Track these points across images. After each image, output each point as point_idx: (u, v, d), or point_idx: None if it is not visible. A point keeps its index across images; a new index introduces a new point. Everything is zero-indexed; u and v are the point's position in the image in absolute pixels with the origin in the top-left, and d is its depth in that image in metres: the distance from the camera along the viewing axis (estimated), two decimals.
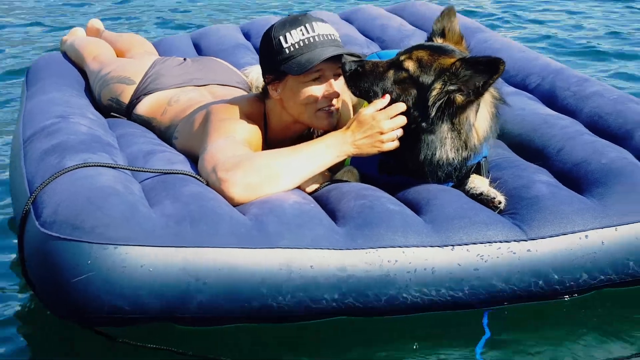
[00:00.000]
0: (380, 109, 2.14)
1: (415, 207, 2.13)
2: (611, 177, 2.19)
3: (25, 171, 2.15)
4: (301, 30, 2.26)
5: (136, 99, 2.83)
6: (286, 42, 2.26)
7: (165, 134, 2.64)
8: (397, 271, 1.95)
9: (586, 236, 2.05)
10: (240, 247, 1.86)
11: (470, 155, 2.15)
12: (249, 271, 1.86)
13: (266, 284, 1.88)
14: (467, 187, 2.22)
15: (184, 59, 3.07)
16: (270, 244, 1.89)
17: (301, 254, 1.90)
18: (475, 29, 3.70)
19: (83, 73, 3.17)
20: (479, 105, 2.13)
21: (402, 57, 2.18)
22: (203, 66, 2.98)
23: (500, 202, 2.15)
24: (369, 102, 2.22)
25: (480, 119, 2.15)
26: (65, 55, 3.45)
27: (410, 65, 2.14)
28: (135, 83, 2.86)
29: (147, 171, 2.12)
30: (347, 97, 2.50)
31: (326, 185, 2.24)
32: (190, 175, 2.13)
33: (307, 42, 2.24)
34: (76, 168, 1.99)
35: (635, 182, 2.17)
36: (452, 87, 2.07)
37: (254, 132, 2.34)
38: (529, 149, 2.52)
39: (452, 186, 2.26)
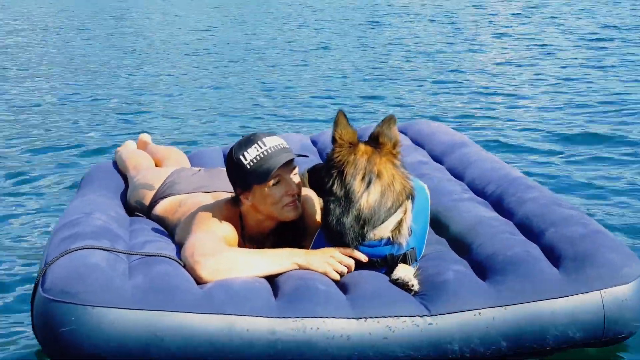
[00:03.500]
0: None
1: (345, 287, 2.64)
2: (509, 266, 2.64)
3: (46, 253, 2.77)
4: (255, 147, 2.82)
5: (154, 201, 3.42)
6: (245, 159, 2.81)
7: (173, 231, 3.22)
8: (318, 337, 2.44)
9: (479, 313, 2.51)
10: (191, 312, 2.40)
11: (364, 222, 2.67)
12: (197, 331, 2.40)
13: (212, 343, 2.40)
14: (392, 273, 2.71)
15: (199, 169, 3.66)
16: (216, 310, 2.43)
17: (240, 319, 2.42)
18: (460, 143, 4.20)
19: (125, 179, 3.83)
20: (369, 182, 2.68)
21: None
22: (213, 175, 3.52)
23: (413, 286, 2.62)
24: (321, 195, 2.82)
25: (372, 193, 2.67)
26: (114, 163, 4.14)
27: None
28: (155, 189, 3.46)
29: (133, 254, 2.71)
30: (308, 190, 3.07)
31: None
32: (168, 257, 2.69)
33: (262, 156, 2.80)
34: (77, 250, 2.60)
35: (528, 270, 2.62)
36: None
37: (229, 230, 2.87)
38: (462, 244, 2.98)
39: (385, 273, 2.76)
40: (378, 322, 2.48)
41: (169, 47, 15.64)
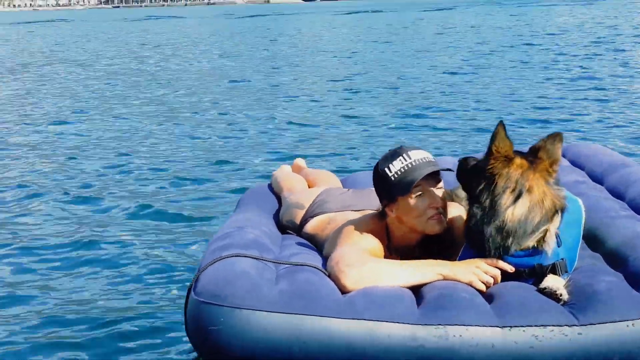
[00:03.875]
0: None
1: (490, 297, 2.57)
2: None
3: (201, 261, 2.92)
4: (400, 159, 2.87)
5: (305, 220, 3.53)
6: (390, 171, 2.87)
7: (322, 247, 3.31)
8: (461, 344, 2.39)
9: (633, 324, 2.36)
10: (332, 317, 2.45)
11: (507, 234, 2.60)
12: (338, 336, 2.43)
13: (352, 348, 2.42)
14: (540, 283, 2.62)
15: (347, 190, 3.74)
16: (357, 315, 2.45)
17: (381, 325, 2.43)
18: (622, 164, 4.04)
19: (280, 200, 3.98)
20: (518, 196, 2.60)
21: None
22: (362, 195, 3.58)
23: (562, 295, 2.51)
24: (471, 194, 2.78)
25: (518, 207, 2.60)
26: (269, 185, 4.31)
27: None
28: (305, 208, 3.58)
29: (280, 262, 2.80)
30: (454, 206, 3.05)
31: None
32: (314, 267, 2.77)
33: (407, 168, 2.84)
34: (228, 257, 2.74)
35: None
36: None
37: (374, 243, 2.92)
38: (617, 258, 2.83)
39: (532, 284, 2.67)
40: (524, 331, 2.39)
41: (321, 71, 16.21)
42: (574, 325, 2.39)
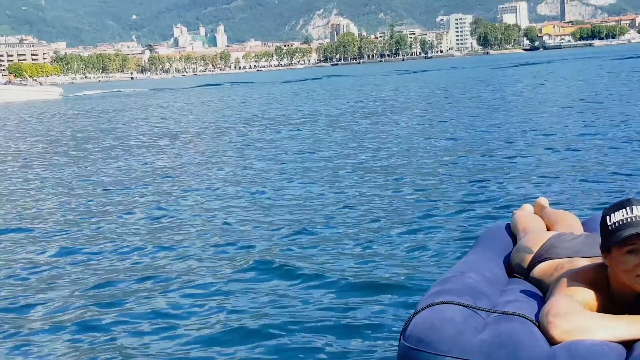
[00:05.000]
0: None
1: None
2: None
3: (417, 306, 3.11)
4: (622, 211, 2.82)
5: (533, 264, 3.51)
6: (610, 220, 2.84)
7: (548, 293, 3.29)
8: None
9: None
10: None
11: None
12: None
13: None
14: None
15: (580, 234, 3.63)
16: None
17: None
18: None
19: (515, 240, 4.01)
20: None
21: None
22: (593, 240, 3.46)
23: None
24: None
25: None
26: (508, 225, 4.33)
27: None
28: (534, 252, 3.56)
29: (489, 311, 2.88)
30: None
31: None
32: (523, 317, 2.80)
33: (625, 221, 2.78)
34: (438, 304, 2.91)
35: None
36: None
37: (589, 296, 2.87)
38: None
39: None
40: None
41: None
42: None
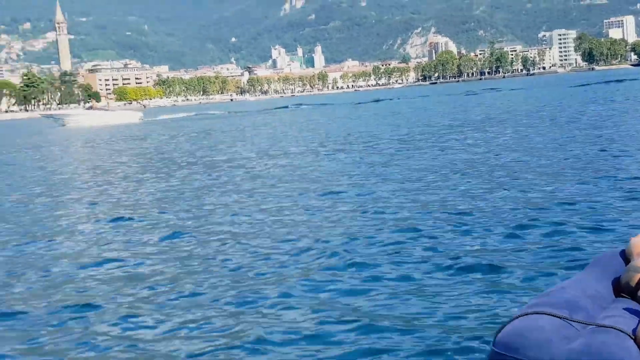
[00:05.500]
0: None
1: None
2: None
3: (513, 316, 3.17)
4: None
5: (639, 284, 3.44)
6: None
7: None
8: None
9: None
10: None
11: None
12: None
13: None
14: None
15: None
16: None
17: None
18: None
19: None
20: None
21: None
22: None
23: None
24: None
25: None
26: (622, 251, 4.27)
27: None
28: None
29: (581, 322, 2.91)
30: None
31: None
32: (618, 329, 2.82)
33: None
34: (530, 314, 2.95)
35: None
36: None
37: None
38: None
39: None
40: None
41: None
42: None
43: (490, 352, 2.88)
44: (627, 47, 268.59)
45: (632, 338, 2.76)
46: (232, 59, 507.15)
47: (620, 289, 3.60)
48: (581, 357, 2.65)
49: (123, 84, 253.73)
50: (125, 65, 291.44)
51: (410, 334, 4.65)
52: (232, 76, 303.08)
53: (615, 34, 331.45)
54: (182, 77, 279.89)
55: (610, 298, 3.49)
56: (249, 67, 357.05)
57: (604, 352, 2.66)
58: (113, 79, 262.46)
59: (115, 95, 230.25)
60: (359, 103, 74.60)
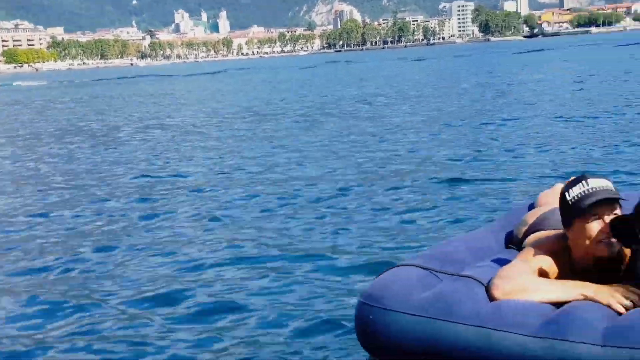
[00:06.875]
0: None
1: (620, 319, 2.78)
2: None
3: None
4: (580, 185, 3.13)
5: (525, 236, 3.75)
6: (569, 195, 3.15)
7: None
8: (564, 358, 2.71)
9: None
10: (457, 322, 2.91)
11: None
12: (459, 340, 2.88)
13: (470, 352, 2.86)
14: None
15: None
16: (478, 323, 2.87)
17: (497, 333, 2.83)
18: None
19: None
20: None
21: None
22: None
23: None
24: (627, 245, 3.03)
25: None
26: (531, 204, 4.38)
27: None
28: (529, 224, 3.81)
29: (447, 273, 3.23)
30: None
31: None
32: (472, 278, 3.12)
33: (584, 193, 3.10)
34: (402, 266, 3.30)
35: None
36: None
37: (546, 262, 3.16)
38: None
39: None
40: (623, 351, 2.61)
41: None
42: None
43: (357, 303, 3.24)
44: (520, 19, 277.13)
45: (484, 286, 3.08)
46: (133, 22, 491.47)
47: (512, 241, 3.93)
48: (434, 303, 3.02)
49: (14, 46, 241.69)
50: (16, 26, 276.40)
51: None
52: (133, 40, 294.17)
53: (509, 6, 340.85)
54: (79, 39, 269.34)
55: (498, 250, 3.79)
56: (151, 31, 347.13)
57: (453, 298, 3.02)
58: (3, 41, 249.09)
59: (5, 58, 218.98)
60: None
